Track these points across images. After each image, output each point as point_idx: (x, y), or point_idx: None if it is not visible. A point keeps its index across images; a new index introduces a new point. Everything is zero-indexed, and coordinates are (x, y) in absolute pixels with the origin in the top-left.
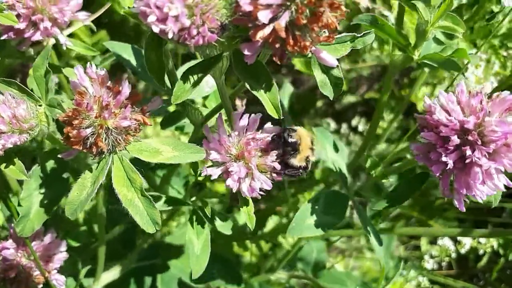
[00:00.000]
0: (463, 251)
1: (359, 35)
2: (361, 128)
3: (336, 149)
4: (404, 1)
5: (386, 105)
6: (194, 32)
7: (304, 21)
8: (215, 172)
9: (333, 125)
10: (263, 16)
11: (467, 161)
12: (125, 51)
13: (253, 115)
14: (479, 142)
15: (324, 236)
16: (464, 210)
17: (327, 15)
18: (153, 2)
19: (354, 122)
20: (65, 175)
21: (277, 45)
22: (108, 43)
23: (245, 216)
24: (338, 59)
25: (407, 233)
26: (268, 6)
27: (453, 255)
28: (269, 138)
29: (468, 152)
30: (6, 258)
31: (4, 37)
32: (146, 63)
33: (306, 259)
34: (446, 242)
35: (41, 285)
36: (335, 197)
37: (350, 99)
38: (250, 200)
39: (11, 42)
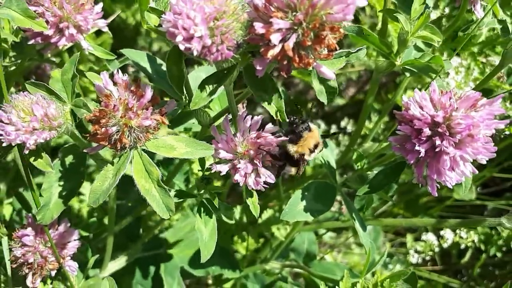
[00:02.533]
0: (445, 245)
1: (353, 51)
2: (349, 129)
3: (325, 145)
4: (387, 13)
5: (371, 106)
6: (214, 50)
7: (309, 43)
8: (224, 169)
9: (322, 126)
10: (275, 38)
11: (437, 149)
12: (142, 59)
13: (255, 117)
14: (447, 133)
15: (314, 229)
16: (436, 194)
17: (328, 38)
18: (181, 25)
19: (343, 123)
20: (81, 169)
21: (285, 62)
22: (126, 51)
23: (251, 205)
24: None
25: (389, 223)
26: (279, 30)
27: (437, 249)
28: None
29: (438, 142)
30: (25, 244)
31: (31, 42)
32: (168, 73)
33: (298, 250)
34: (430, 237)
35: (55, 270)
36: (324, 187)
37: (339, 101)
38: (255, 192)
39: (29, 45)
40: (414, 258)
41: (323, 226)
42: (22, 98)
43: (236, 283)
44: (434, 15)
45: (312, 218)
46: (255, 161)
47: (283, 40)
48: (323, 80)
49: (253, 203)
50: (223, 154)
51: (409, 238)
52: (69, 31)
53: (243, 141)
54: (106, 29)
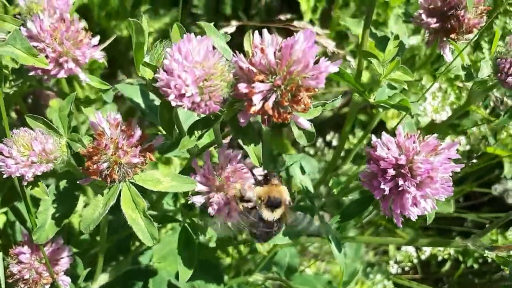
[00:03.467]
0: (423, 257)
1: (328, 102)
2: (334, 143)
3: (303, 171)
4: (363, 56)
5: (356, 119)
6: (203, 105)
7: (287, 103)
8: (199, 200)
9: None
10: (256, 98)
11: (400, 189)
12: (135, 94)
13: (234, 152)
14: (409, 175)
15: (295, 244)
16: (401, 226)
17: (304, 98)
18: (173, 84)
19: (328, 137)
20: (76, 193)
21: (265, 116)
22: (120, 87)
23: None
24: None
25: (364, 241)
26: (260, 91)
27: (415, 261)
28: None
29: (400, 182)
30: (21, 261)
31: (31, 73)
32: (159, 117)
33: (280, 263)
34: (409, 248)
35: (49, 285)
36: (302, 211)
37: (326, 113)
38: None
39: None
40: (393, 269)
41: (301, 242)
42: (22, 134)
43: None
44: (415, 40)
45: (290, 241)
46: (228, 196)
47: (264, 99)
48: (301, 128)
49: None
50: (199, 188)
51: (391, 247)
52: (68, 65)
53: (220, 175)
54: (102, 60)
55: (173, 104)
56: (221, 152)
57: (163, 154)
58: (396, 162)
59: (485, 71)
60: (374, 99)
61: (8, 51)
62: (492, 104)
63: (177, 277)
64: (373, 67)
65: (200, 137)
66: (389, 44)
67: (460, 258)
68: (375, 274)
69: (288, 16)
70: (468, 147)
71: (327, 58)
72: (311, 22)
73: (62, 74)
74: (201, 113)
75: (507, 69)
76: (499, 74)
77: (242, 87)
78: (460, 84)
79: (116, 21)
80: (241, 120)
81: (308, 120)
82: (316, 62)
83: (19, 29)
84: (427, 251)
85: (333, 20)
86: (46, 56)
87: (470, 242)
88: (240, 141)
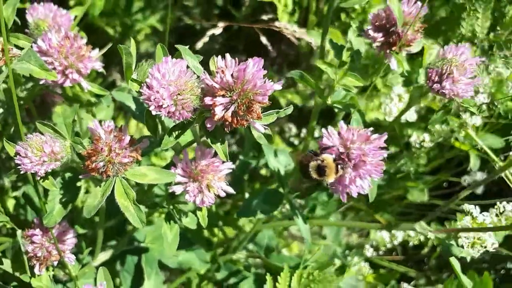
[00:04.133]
0: (396, 242)
1: (281, 110)
2: (316, 134)
3: (276, 156)
4: (320, 64)
5: (313, 128)
6: (177, 113)
7: (242, 113)
8: (178, 189)
9: (294, 130)
10: (218, 109)
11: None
12: (128, 99)
13: (207, 149)
14: (346, 159)
15: (274, 226)
16: (345, 200)
17: (256, 109)
18: (153, 98)
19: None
20: (78, 183)
21: (227, 123)
22: (115, 94)
23: (200, 218)
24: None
25: (322, 224)
26: (221, 104)
27: (389, 245)
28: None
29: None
30: (34, 242)
31: (42, 82)
32: (145, 123)
33: (260, 244)
34: (383, 233)
35: (57, 262)
36: (273, 193)
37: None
38: (204, 208)
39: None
40: (369, 252)
41: (282, 224)
42: (35, 138)
43: (209, 270)
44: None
45: (261, 216)
46: (201, 185)
47: (225, 109)
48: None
49: (202, 216)
50: (178, 179)
51: (372, 230)
52: (72, 76)
53: (196, 168)
54: (101, 70)
55: (153, 113)
56: (197, 149)
57: (147, 153)
58: (338, 150)
59: (423, 77)
60: (331, 102)
61: (24, 67)
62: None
63: (166, 257)
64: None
65: (177, 137)
66: (342, 55)
67: (435, 242)
68: (353, 256)
69: (270, 16)
70: (440, 139)
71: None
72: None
73: (67, 83)
74: (176, 120)
75: (433, 77)
76: (428, 81)
77: (208, 100)
78: None
79: (109, 19)
80: (208, 125)
81: (264, 125)
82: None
83: (31, 46)
84: (399, 236)
85: (309, 23)
86: (54, 69)
87: (417, 226)
88: (210, 141)
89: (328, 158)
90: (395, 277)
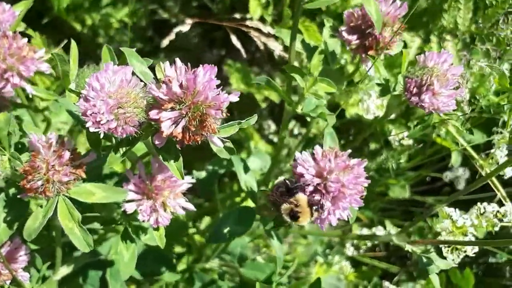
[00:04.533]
0: (377, 242)
1: (243, 121)
2: (296, 131)
3: (246, 170)
4: (288, 70)
5: (283, 138)
6: (119, 129)
7: (193, 128)
8: (130, 208)
9: (273, 127)
10: (165, 125)
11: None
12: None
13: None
14: (324, 191)
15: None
16: (324, 230)
17: (210, 123)
18: (90, 113)
19: (290, 125)
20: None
21: (177, 139)
22: (62, 101)
23: (157, 238)
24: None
25: (303, 233)
26: (169, 118)
27: (369, 243)
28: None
29: (317, 198)
30: None
31: None
32: (87, 138)
33: (233, 252)
34: (364, 232)
35: (9, 281)
36: (245, 211)
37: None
38: (162, 227)
39: None
40: (350, 251)
41: (251, 235)
42: None
43: (181, 280)
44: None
45: (233, 240)
46: (156, 204)
47: (175, 124)
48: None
49: (159, 236)
50: (130, 196)
51: (354, 226)
52: (13, 80)
53: (151, 184)
54: (48, 72)
55: (91, 129)
56: (153, 161)
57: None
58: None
59: (401, 86)
60: (302, 110)
61: None
62: None
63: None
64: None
65: (124, 155)
66: (313, 59)
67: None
68: (334, 255)
69: (242, 14)
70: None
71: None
72: (263, 20)
73: (9, 89)
74: (119, 136)
75: (412, 89)
76: (405, 93)
77: (153, 114)
78: None
79: (76, 13)
80: (157, 142)
81: (224, 137)
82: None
83: None
84: (380, 234)
85: (284, 18)
86: None
87: (394, 237)
88: (162, 158)
89: (302, 200)
90: (377, 274)
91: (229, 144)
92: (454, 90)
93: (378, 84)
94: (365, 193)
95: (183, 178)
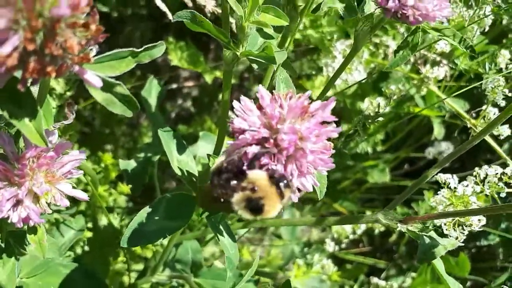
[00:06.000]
0: (359, 232)
1: (140, 50)
2: None
3: (181, 149)
4: None
5: (227, 102)
6: None
7: (31, 47)
8: None
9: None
10: None
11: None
12: None
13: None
14: (275, 150)
15: (194, 236)
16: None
17: (65, 36)
18: None
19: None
20: None
21: (11, 70)
22: None
23: (36, 245)
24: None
25: (270, 224)
26: None
27: (351, 236)
28: None
29: (264, 161)
30: None
31: None
32: None
33: (183, 260)
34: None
35: None
36: (180, 199)
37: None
38: (41, 228)
39: None
40: (330, 247)
41: (204, 233)
42: None
43: None
44: None
45: (162, 239)
46: (19, 191)
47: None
48: (107, 88)
49: (37, 241)
50: None
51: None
52: None
53: (19, 163)
54: None
55: None
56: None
57: None
58: (259, 135)
59: (372, 4)
60: (244, 52)
61: None
62: (412, 60)
63: None
64: None
65: None
66: None
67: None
68: (313, 254)
69: None
70: (387, 109)
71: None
72: None
73: None
74: None
75: None
76: (379, 0)
77: None
78: (377, 40)
79: None
80: None
81: (110, 76)
82: None
83: None
84: (361, 226)
85: None
86: None
87: (381, 215)
88: (8, 115)
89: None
90: (363, 271)
91: (122, 89)
92: None
93: (341, 1)
94: (333, 151)
95: (46, 145)
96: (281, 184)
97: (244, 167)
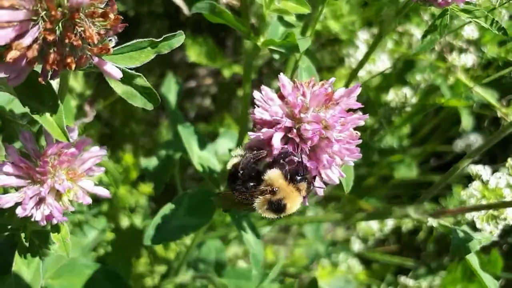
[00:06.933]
0: (386, 230)
1: (159, 40)
2: None
3: (203, 144)
4: None
5: (248, 95)
6: None
7: (52, 37)
8: (7, 201)
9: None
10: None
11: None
12: None
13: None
14: (298, 140)
15: (218, 235)
16: (307, 204)
17: (84, 27)
18: None
19: None
20: None
21: (31, 64)
22: None
23: (60, 244)
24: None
25: (295, 222)
26: (10, 23)
27: (377, 234)
28: None
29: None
30: None
31: None
32: None
33: (207, 260)
34: (371, 222)
35: None
36: (202, 196)
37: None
38: (65, 226)
39: None
40: (356, 246)
41: (229, 231)
42: None
43: None
44: None
45: (185, 236)
46: (41, 189)
47: (20, 37)
48: (127, 80)
49: (61, 239)
50: (5, 181)
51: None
52: None
53: (41, 160)
54: None
55: None
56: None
57: None
58: (282, 125)
59: None
60: (264, 42)
61: None
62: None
63: None
64: None
65: None
66: None
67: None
68: (338, 253)
69: None
70: (414, 100)
71: None
72: None
73: None
74: None
75: None
76: None
77: None
78: (400, 30)
79: None
80: (2, 75)
81: (131, 68)
82: None
83: None
84: (388, 224)
85: None
86: None
87: (411, 210)
88: (29, 110)
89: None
90: (390, 271)
91: (142, 81)
92: None
93: None
94: (360, 141)
95: (67, 140)
96: (298, 178)
97: (259, 168)
